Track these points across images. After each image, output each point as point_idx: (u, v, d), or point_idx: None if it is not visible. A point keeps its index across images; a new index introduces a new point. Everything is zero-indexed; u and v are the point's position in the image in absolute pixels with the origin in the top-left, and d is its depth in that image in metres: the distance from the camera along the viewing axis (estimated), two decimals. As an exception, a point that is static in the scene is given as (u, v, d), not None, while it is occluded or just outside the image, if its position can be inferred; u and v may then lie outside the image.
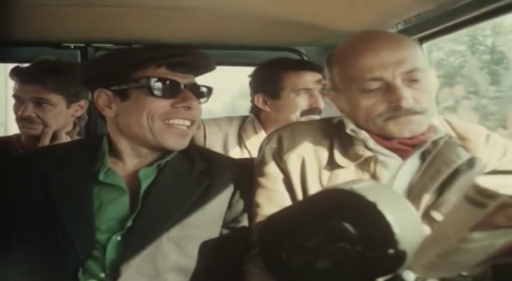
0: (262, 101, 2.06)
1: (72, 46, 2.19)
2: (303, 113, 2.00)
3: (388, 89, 1.19)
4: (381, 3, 1.68)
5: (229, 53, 2.34)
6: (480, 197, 0.62)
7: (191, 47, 1.49)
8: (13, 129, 2.13)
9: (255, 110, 2.13)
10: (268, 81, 2.04)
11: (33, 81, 1.87)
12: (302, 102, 2.01)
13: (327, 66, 1.33)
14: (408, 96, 1.18)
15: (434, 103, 1.26)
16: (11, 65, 1.99)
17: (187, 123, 1.32)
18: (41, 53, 2.13)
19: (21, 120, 1.88)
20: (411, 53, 1.21)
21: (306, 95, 2.01)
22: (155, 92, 1.26)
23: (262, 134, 2.04)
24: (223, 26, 1.99)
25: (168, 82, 1.28)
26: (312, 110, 2.01)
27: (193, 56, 1.31)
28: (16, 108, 1.89)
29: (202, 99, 1.36)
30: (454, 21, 1.64)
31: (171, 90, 1.28)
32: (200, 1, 1.69)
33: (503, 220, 0.62)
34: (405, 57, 1.19)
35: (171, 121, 1.29)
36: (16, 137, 1.99)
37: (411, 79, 1.20)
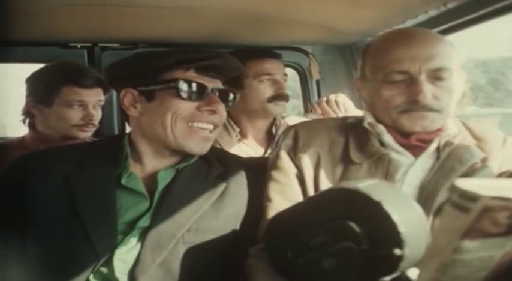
0: None
1: (78, 46, 2.21)
2: (269, 100, 1.98)
3: (411, 83, 1.21)
4: (387, 1, 1.68)
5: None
6: (463, 201, 0.62)
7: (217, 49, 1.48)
8: (14, 130, 2.10)
9: None
10: None
11: (96, 84, 1.89)
12: (267, 89, 1.98)
13: (362, 55, 1.35)
14: (428, 93, 1.20)
15: (454, 104, 1.26)
16: (12, 65, 1.99)
17: (211, 127, 1.31)
18: (48, 53, 2.15)
19: (84, 124, 1.89)
20: (443, 51, 1.22)
21: (269, 81, 1.98)
22: (182, 94, 1.26)
23: (234, 129, 2.01)
24: (228, 25, 2.00)
25: (195, 85, 1.27)
26: (279, 96, 1.98)
27: (222, 60, 1.31)
28: (73, 113, 1.88)
29: (228, 104, 1.36)
30: (461, 19, 1.63)
31: (198, 93, 1.28)
32: (205, 0, 1.70)
33: (490, 226, 0.62)
34: (435, 54, 1.20)
35: (195, 124, 1.28)
36: (18, 141, 1.98)
37: (436, 77, 1.21)
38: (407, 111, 1.23)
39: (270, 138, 2.05)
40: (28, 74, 1.94)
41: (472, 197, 0.61)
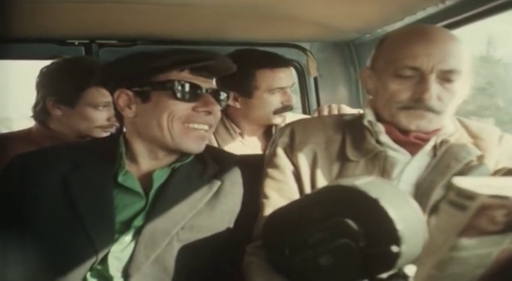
0: (232, 98, 1.94)
1: (76, 43, 2.19)
2: (275, 112, 1.98)
3: (420, 80, 1.21)
4: (385, -2, 1.68)
5: (233, 49, 2.33)
6: (460, 199, 0.62)
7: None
8: (19, 125, 2.06)
9: None
10: (241, 79, 1.91)
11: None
12: (275, 101, 1.97)
13: (376, 46, 1.34)
14: (434, 93, 1.20)
15: (455, 107, 1.27)
16: (16, 62, 1.96)
17: (206, 127, 1.32)
18: (45, 50, 2.14)
19: (109, 125, 1.85)
20: (458, 54, 1.22)
21: (279, 93, 1.97)
22: (178, 95, 1.27)
23: (235, 130, 2.01)
24: (226, 22, 1.99)
25: (191, 86, 1.28)
26: (285, 108, 1.99)
27: (216, 61, 1.32)
28: (99, 114, 1.84)
29: (222, 103, 1.37)
30: (460, 16, 1.63)
31: (193, 94, 1.29)
32: (204, -3, 1.69)
33: (487, 224, 0.62)
34: (451, 55, 1.20)
35: (191, 125, 1.30)
36: (24, 134, 1.94)
37: (446, 78, 1.21)
38: (407, 108, 1.23)
39: (267, 137, 2.06)
40: (27, 70, 1.90)
41: (469, 196, 0.61)
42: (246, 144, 2.01)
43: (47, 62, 1.92)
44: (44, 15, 1.82)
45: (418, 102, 1.21)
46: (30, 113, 1.91)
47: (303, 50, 2.44)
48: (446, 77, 1.21)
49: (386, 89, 1.25)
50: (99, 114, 1.85)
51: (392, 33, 1.33)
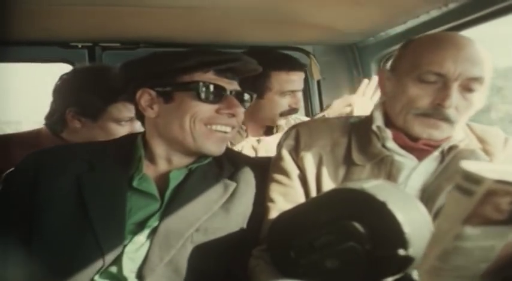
0: None
1: (79, 45, 2.19)
2: (282, 114, 1.98)
3: (443, 87, 1.20)
4: (388, 2, 1.68)
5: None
6: (467, 183, 0.61)
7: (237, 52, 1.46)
8: (29, 127, 2.04)
9: None
10: (254, 79, 1.79)
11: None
12: (284, 103, 1.97)
13: (402, 47, 1.32)
14: (454, 101, 1.19)
15: (467, 118, 1.26)
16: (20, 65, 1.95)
17: (229, 129, 1.32)
18: (48, 53, 2.14)
19: None
20: (483, 63, 1.21)
21: (289, 96, 1.97)
22: (202, 96, 1.26)
23: (243, 128, 2.00)
24: (230, 25, 1.99)
25: (215, 87, 1.28)
26: (291, 110, 1.99)
27: (242, 62, 1.31)
28: (122, 130, 1.73)
29: (245, 105, 1.36)
30: (463, 19, 1.63)
31: (217, 96, 1.28)
32: (207, 0, 1.69)
33: (492, 212, 0.62)
34: (476, 63, 1.19)
35: (213, 127, 1.29)
36: (32, 136, 1.86)
37: (468, 87, 1.20)
38: (424, 115, 1.22)
39: (267, 134, 2.06)
40: (31, 73, 1.88)
41: (476, 180, 0.60)
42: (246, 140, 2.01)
43: (51, 65, 1.92)
44: (47, 18, 1.82)
45: (436, 110, 1.20)
46: (37, 116, 1.86)
47: (306, 53, 2.45)
48: (469, 85, 1.19)
49: (406, 92, 1.23)
50: (121, 129, 1.75)
51: (420, 37, 1.32)
